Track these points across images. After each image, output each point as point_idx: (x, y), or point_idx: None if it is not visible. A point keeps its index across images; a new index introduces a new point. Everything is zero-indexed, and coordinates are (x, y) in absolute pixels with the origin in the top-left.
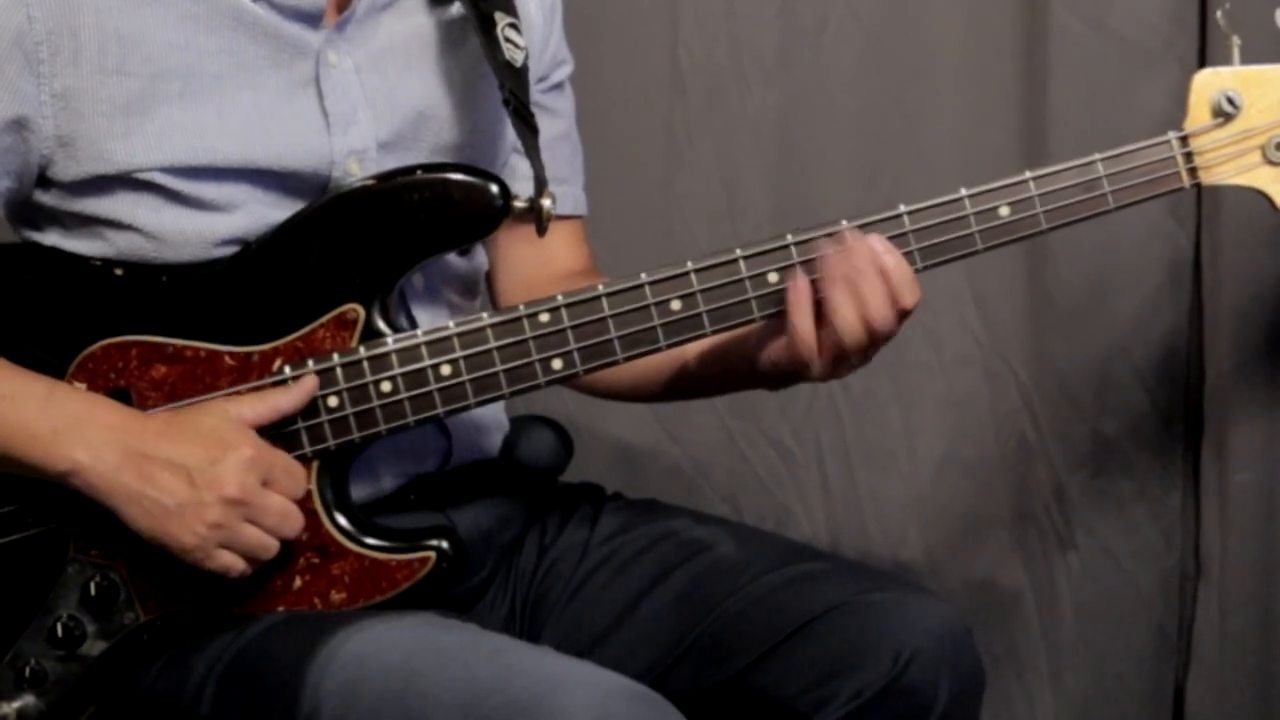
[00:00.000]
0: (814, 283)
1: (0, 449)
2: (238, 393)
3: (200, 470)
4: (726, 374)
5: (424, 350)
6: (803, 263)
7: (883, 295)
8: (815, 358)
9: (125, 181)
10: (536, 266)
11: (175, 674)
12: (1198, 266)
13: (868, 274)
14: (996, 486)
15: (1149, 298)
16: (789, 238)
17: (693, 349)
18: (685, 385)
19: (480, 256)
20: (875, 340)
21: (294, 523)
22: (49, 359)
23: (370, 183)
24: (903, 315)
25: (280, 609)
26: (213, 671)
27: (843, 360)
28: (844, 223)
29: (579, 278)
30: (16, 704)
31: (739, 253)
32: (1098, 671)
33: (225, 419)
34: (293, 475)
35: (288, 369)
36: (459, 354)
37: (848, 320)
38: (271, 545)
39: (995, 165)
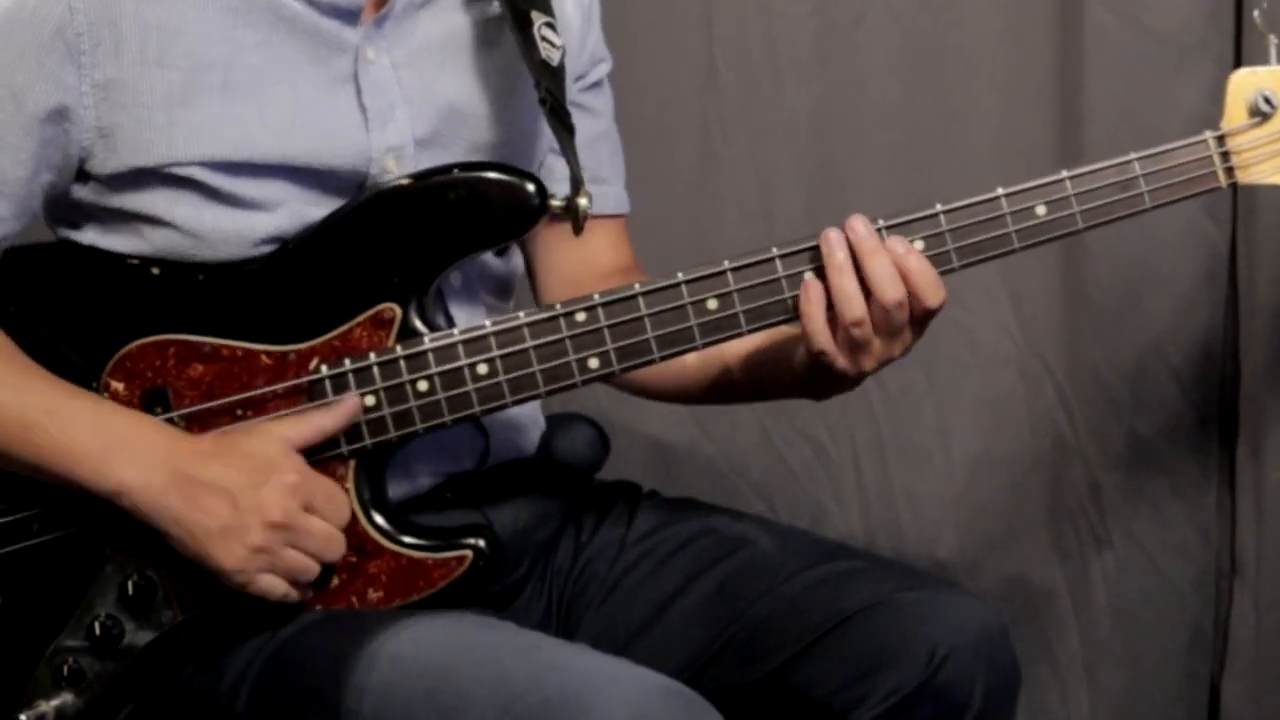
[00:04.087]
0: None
1: (44, 465)
2: (273, 393)
3: (244, 493)
4: (766, 381)
5: (460, 349)
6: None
7: (887, 269)
8: (835, 352)
9: (164, 177)
10: (579, 265)
11: (212, 672)
12: (1233, 265)
13: (876, 253)
14: (1032, 485)
15: (1185, 296)
16: None
17: (736, 354)
18: (728, 390)
19: (516, 258)
20: (889, 322)
21: (336, 547)
22: (86, 358)
23: (407, 182)
24: (928, 315)
25: (317, 607)
26: (249, 669)
27: (861, 348)
28: (880, 220)
29: (623, 276)
30: (55, 702)
31: (775, 251)
32: (1133, 669)
33: (270, 441)
34: (335, 502)
35: (324, 368)
36: (495, 353)
37: (846, 292)
38: (313, 568)
39: (1030, 163)
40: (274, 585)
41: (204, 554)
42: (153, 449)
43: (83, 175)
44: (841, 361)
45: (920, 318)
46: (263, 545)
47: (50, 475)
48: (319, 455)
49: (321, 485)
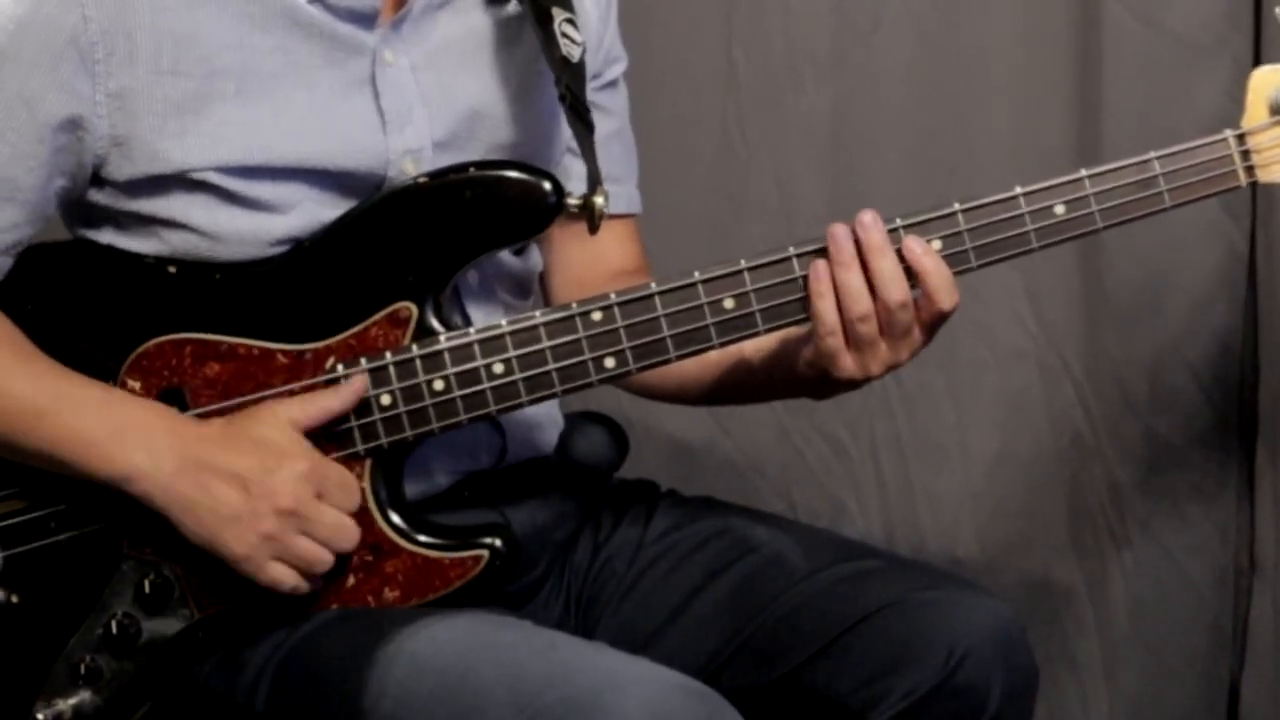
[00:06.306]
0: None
1: (55, 453)
2: (289, 392)
3: (256, 480)
4: (769, 383)
5: (476, 349)
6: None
7: (892, 268)
8: (841, 346)
9: (180, 181)
10: (588, 265)
11: (229, 670)
12: (1252, 263)
13: (882, 251)
14: (1051, 483)
15: (1203, 294)
16: None
17: (739, 354)
18: (731, 390)
19: (534, 256)
20: (894, 322)
21: (349, 536)
22: (103, 357)
23: (423, 180)
24: (939, 319)
25: (334, 606)
26: (267, 668)
27: (868, 348)
28: (898, 220)
29: (631, 276)
30: (72, 700)
31: (792, 250)
32: (1152, 668)
33: (279, 427)
34: (347, 489)
35: (340, 367)
36: (512, 353)
37: (852, 288)
38: (325, 558)
39: (1048, 163)
40: (284, 575)
41: (213, 540)
42: (163, 435)
43: (98, 180)
44: (848, 360)
45: (931, 321)
46: (273, 532)
47: (60, 464)
48: (336, 455)
49: (333, 472)
